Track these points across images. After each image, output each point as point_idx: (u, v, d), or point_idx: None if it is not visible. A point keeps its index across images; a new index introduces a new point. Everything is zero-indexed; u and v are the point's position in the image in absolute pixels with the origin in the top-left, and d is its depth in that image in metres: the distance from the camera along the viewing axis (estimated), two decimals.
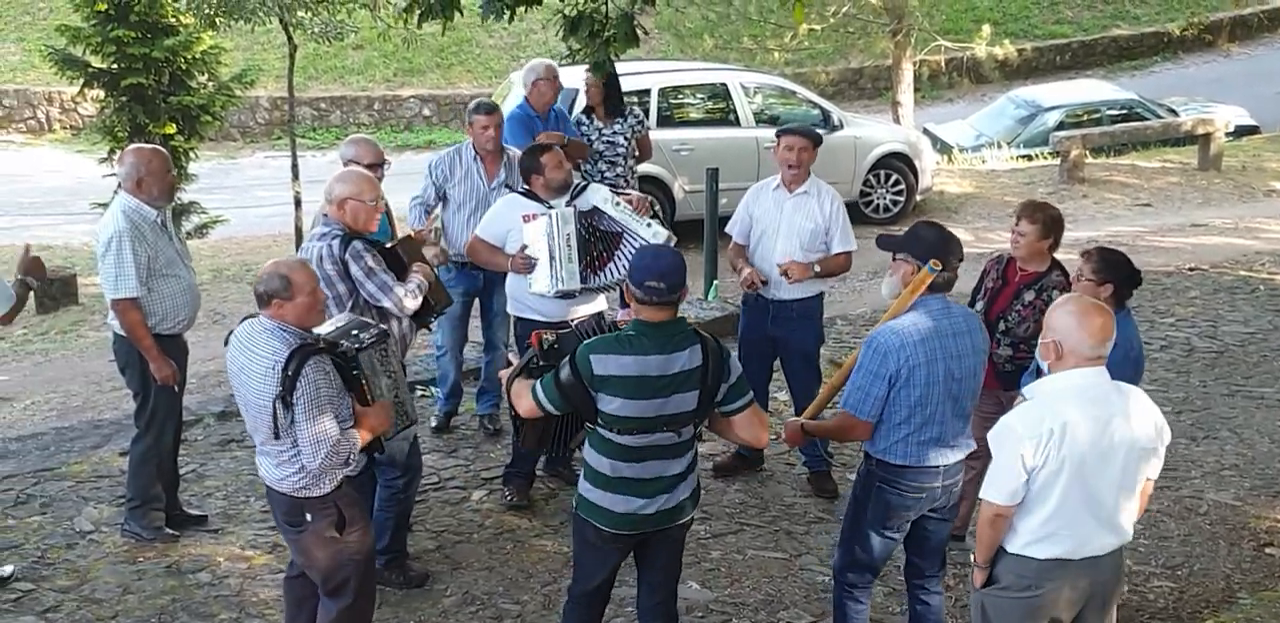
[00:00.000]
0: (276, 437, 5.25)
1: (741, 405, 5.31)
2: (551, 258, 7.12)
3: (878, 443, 5.57)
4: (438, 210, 8.43)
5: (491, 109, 8.38)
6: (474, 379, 9.04)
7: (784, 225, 7.66)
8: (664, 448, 5.22)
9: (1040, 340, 4.95)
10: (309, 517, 5.42)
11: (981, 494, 4.96)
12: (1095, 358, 4.83)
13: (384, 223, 7.41)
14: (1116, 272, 6.03)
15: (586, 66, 9.75)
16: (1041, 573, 4.93)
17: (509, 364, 5.52)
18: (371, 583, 5.78)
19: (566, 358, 5.13)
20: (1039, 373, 6.17)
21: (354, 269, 6.31)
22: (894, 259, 5.64)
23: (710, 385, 5.17)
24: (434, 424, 8.82)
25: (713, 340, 5.22)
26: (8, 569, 6.91)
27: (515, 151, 8.51)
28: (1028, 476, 4.80)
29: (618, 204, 7.24)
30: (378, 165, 7.39)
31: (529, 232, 7.21)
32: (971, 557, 5.27)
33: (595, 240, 7.25)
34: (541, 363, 5.32)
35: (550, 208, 7.26)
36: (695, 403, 5.15)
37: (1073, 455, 4.75)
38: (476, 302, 8.60)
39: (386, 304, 6.37)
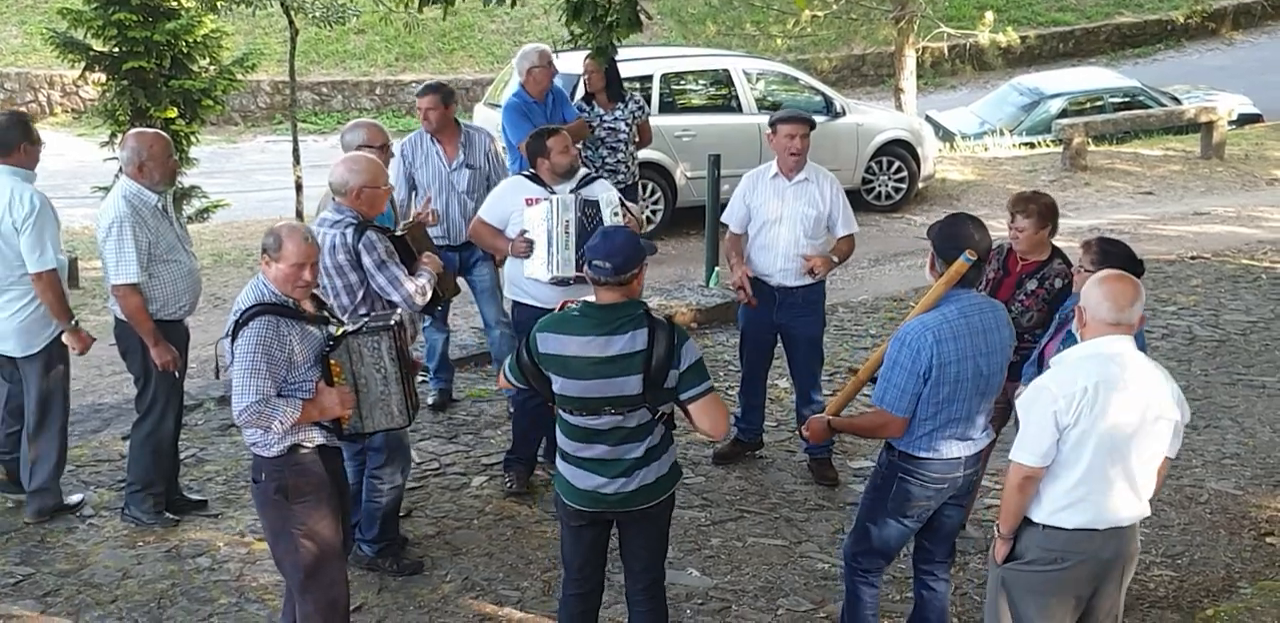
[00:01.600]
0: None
1: (696, 393, 5.24)
2: (549, 243, 7.12)
3: (903, 436, 5.55)
4: (431, 192, 8.45)
5: (429, 91, 8.55)
6: (481, 363, 9.10)
7: (786, 213, 7.65)
8: (613, 431, 5.23)
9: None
10: (263, 475, 5.46)
11: (1012, 456, 4.97)
12: (1116, 324, 4.88)
13: (387, 207, 7.41)
14: (1116, 261, 6.01)
15: (587, 53, 9.77)
16: (1070, 544, 4.95)
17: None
18: (329, 564, 5.59)
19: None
20: (1039, 363, 6.20)
21: (366, 260, 6.29)
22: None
23: (655, 371, 5.13)
24: (430, 402, 8.85)
25: (666, 325, 5.19)
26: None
27: (481, 131, 8.58)
28: (1059, 435, 4.82)
29: (616, 214, 7.23)
30: (386, 146, 7.37)
31: (530, 215, 7.21)
32: (974, 541, 5.25)
33: (589, 234, 7.23)
34: None
35: (553, 193, 7.25)
36: (639, 387, 5.14)
37: (1104, 417, 4.80)
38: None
39: (395, 298, 6.35)
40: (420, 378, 9.24)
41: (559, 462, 5.44)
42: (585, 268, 5.18)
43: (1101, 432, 4.82)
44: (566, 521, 5.51)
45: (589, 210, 7.21)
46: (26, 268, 6.92)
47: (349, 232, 6.28)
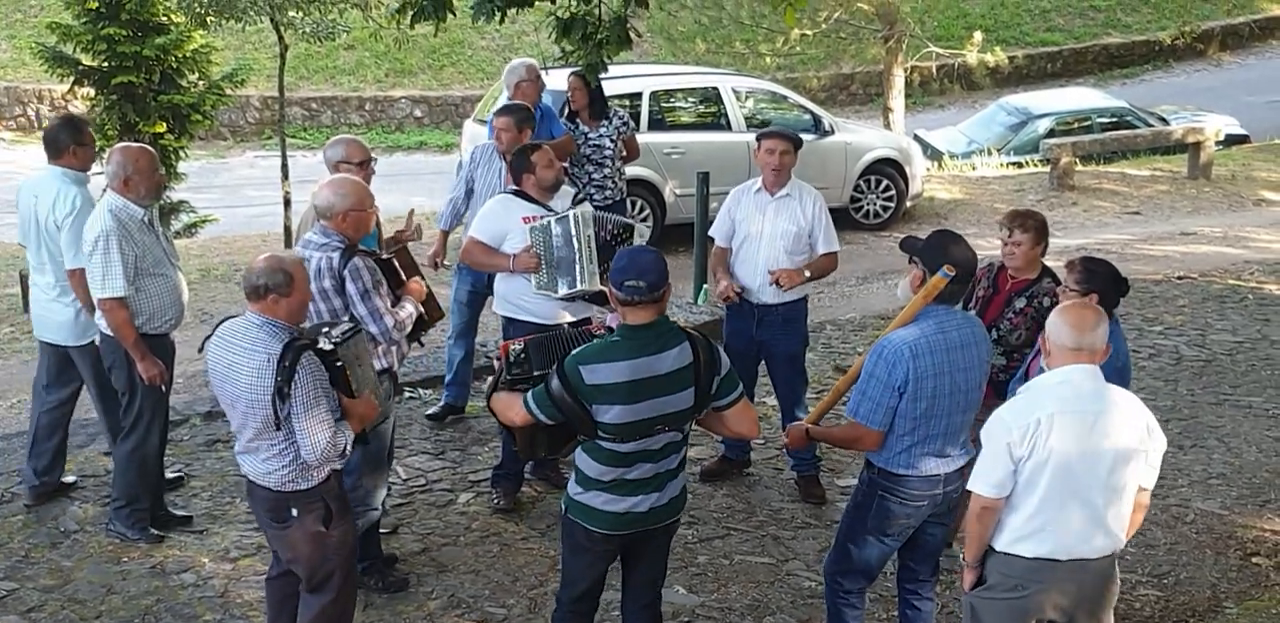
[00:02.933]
0: (277, 428, 5.24)
1: (734, 399, 5.31)
2: (574, 258, 7.07)
3: (881, 453, 5.54)
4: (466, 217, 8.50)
5: (505, 113, 8.50)
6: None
7: (767, 229, 7.66)
8: (662, 449, 5.21)
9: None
10: (294, 512, 5.42)
11: (969, 486, 4.99)
12: (1078, 349, 4.89)
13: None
14: (1100, 281, 6.02)
15: (572, 71, 9.79)
16: (1028, 573, 4.95)
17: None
18: (353, 580, 5.78)
19: (555, 368, 5.09)
20: (1026, 379, 6.20)
21: (350, 288, 6.18)
22: (910, 262, 5.62)
23: (704, 381, 5.16)
24: (430, 412, 8.84)
25: (700, 336, 5.22)
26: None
27: None
28: (1014, 466, 4.83)
29: (642, 236, 7.23)
30: (366, 163, 7.35)
31: (541, 229, 7.15)
32: (960, 559, 5.26)
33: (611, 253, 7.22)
34: (512, 374, 5.30)
35: (550, 211, 7.24)
36: (691, 400, 5.14)
37: (1058, 448, 4.79)
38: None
39: (374, 330, 6.21)
40: (434, 396, 9.27)
41: (582, 491, 5.29)
42: (616, 290, 5.07)
43: (1057, 463, 4.81)
44: (589, 547, 5.39)
45: (626, 233, 7.26)
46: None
47: (335, 256, 6.18)
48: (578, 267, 7.07)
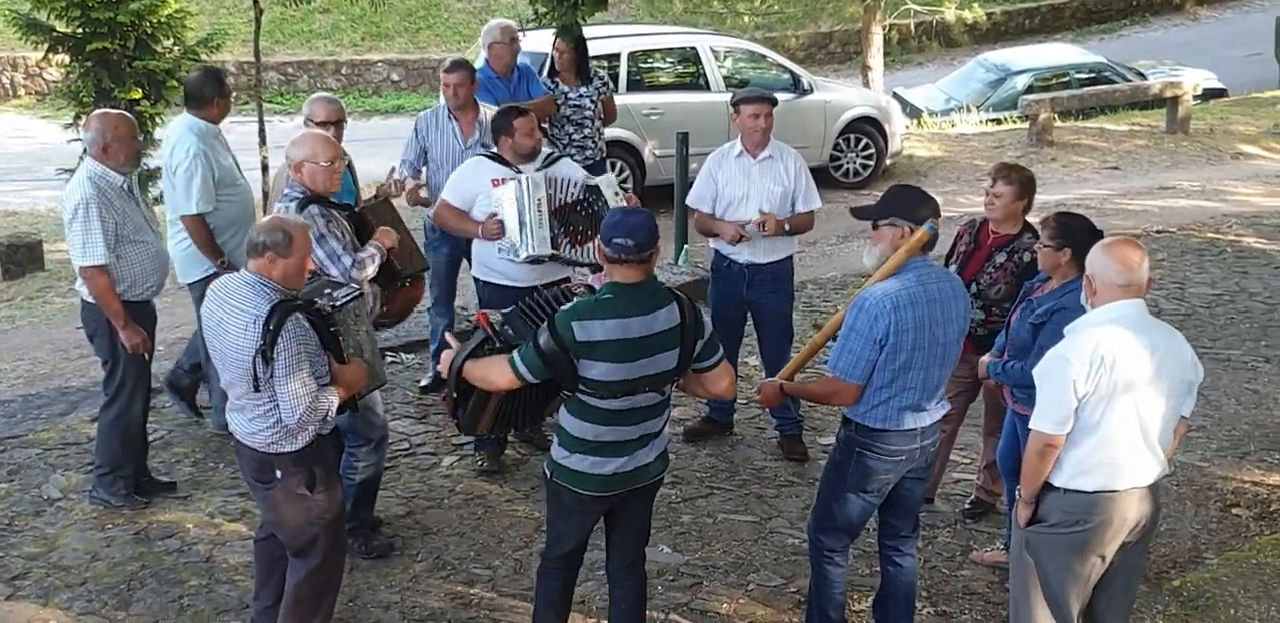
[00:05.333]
0: (256, 389, 5.24)
1: (716, 360, 5.36)
2: (521, 223, 7.08)
3: (858, 407, 5.55)
4: (424, 174, 8.46)
5: (458, 67, 8.44)
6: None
7: (753, 191, 7.68)
8: (647, 408, 5.23)
9: (1082, 283, 5.17)
10: (278, 473, 5.43)
11: (1031, 425, 5.05)
12: (1128, 286, 5.02)
13: (348, 183, 7.39)
14: (1074, 236, 6.02)
15: (551, 32, 9.73)
16: (1090, 506, 5.03)
17: (447, 346, 5.45)
18: (340, 544, 5.78)
19: (545, 325, 5.08)
20: (1006, 333, 6.24)
21: None
22: (875, 228, 5.56)
23: (689, 342, 5.19)
24: (423, 383, 8.86)
25: (686, 298, 5.25)
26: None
27: (492, 111, 8.54)
28: (1078, 402, 4.89)
29: (617, 194, 7.23)
30: (331, 124, 7.34)
31: (499, 196, 7.16)
32: (1016, 493, 5.27)
33: (586, 216, 7.19)
34: (499, 344, 5.28)
35: (519, 173, 7.22)
36: (676, 361, 5.18)
37: (1124, 380, 4.88)
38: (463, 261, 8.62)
39: (333, 273, 6.18)
40: (415, 359, 9.28)
41: (567, 454, 5.30)
42: (605, 247, 5.08)
43: (1120, 396, 4.90)
44: (577, 508, 5.42)
45: (591, 196, 7.20)
46: None
47: (291, 206, 6.21)
48: (526, 231, 7.07)
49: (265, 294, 5.26)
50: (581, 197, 7.19)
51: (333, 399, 5.38)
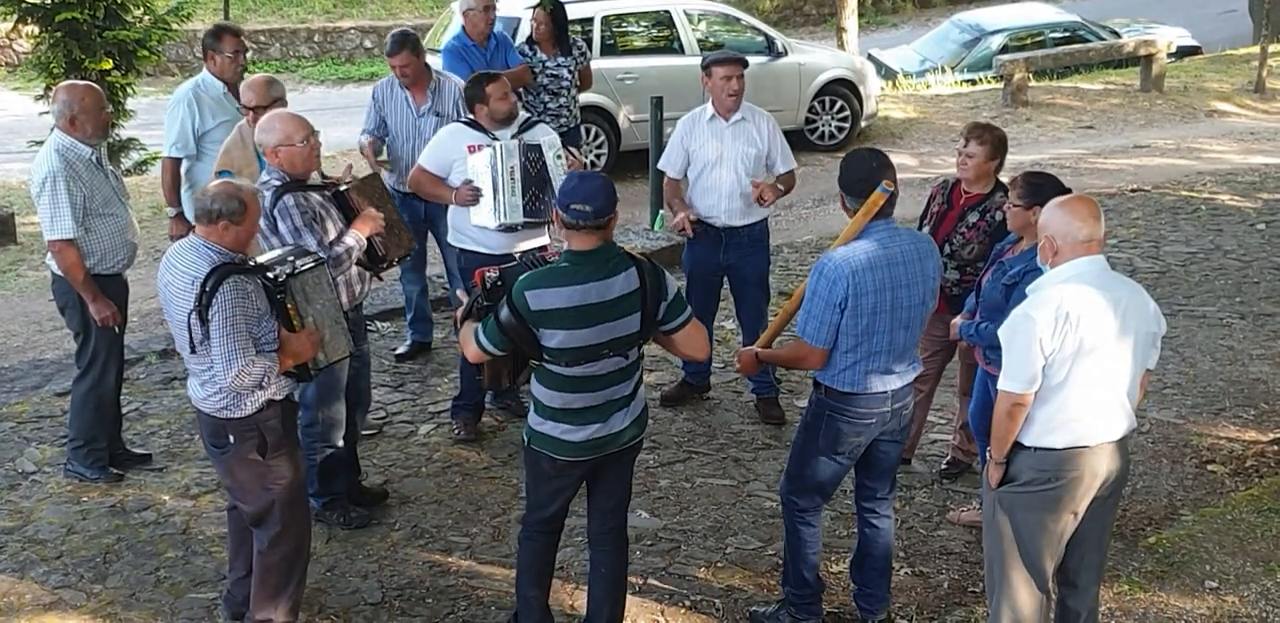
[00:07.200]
0: (193, 351, 5.23)
1: (682, 321, 5.34)
2: (495, 190, 7.06)
3: (827, 371, 5.55)
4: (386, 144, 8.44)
5: (399, 48, 8.35)
6: (445, 307, 9.10)
7: (727, 154, 7.66)
8: (612, 374, 5.22)
9: (1038, 245, 5.07)
10: (231, 438, 5.42)
11: (999, 385, 5.03)
12: (1089, 242, 4.94)
13: None
14: (1043, 194, 5.99)
15: (537, 4, 9.66)
16: (1061, 463, 5.03)
17: (461, 304, 5.45)
18: (301, 512, 5.72)
19: (504, 297, 5.09)
20: (976, 295, 6.22)
21: (281, 227, 6.12)
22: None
23: (650, 306, 5.17)
24: (400, 352, 8.86)
25: (647, 261, 5.22)
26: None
27: (451, 78, 8.50)
28: (1045, 360, 4.89)
29: (559, 157, 7.19)
30: (265, 108, 7.01)
31: (473, 162, 7.13)
32: (987, 454, 5.27)
33: (534, 178, 7.16)
34: (486, 302, 5.27)
35: (495, 139, 7.18)
36: (638, 325, 5.16)
37: (1089, 337, 4.87)
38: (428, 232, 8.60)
39: None
40: (392, 329, 9.26)
41: (542, 421, 5.31)
42: (562, 213, 5.05)
43: (1086, 353, 4.89)
44: (555, 474, 5.42)
45: (531, 155, 7.14)
46: None
47: (268, 195, 6.08)
48: (498, 198, 7.05)
49: (209, 256, 5.22)
50: (527, 156, 7.14)
51: (270, 365, 5.29)
